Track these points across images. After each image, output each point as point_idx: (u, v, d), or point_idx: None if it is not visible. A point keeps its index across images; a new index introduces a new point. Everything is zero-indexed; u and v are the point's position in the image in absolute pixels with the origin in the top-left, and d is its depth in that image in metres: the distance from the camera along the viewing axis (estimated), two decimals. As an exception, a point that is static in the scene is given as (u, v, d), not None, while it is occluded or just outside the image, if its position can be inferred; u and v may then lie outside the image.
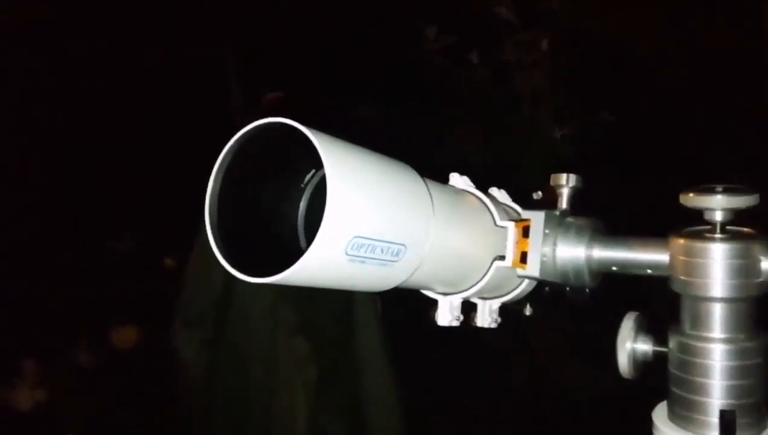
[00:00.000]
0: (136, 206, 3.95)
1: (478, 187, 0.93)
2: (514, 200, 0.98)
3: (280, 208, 0.74)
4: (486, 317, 0.96)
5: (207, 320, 2.19)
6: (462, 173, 0.94)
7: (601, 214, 0.93)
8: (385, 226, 0.68)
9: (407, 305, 0.94)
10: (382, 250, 0.68)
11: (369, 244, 0.66)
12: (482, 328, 0.99)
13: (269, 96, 2.32)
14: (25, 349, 3.35)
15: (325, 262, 0.64)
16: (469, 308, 0.96)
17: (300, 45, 4.12)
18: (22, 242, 3.73)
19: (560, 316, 3.02)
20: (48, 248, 3.76)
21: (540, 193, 0.96)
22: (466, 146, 3.17)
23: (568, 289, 0.93)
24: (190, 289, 2.20)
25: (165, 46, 4.31)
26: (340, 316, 2.19)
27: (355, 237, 0.64)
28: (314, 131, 0.63)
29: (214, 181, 0.68)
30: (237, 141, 0.67)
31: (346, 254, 0.64)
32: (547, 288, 0.95)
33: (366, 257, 0.67)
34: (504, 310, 0.99)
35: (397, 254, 0.71)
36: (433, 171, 0.89)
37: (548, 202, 0.96)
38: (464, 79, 3.24)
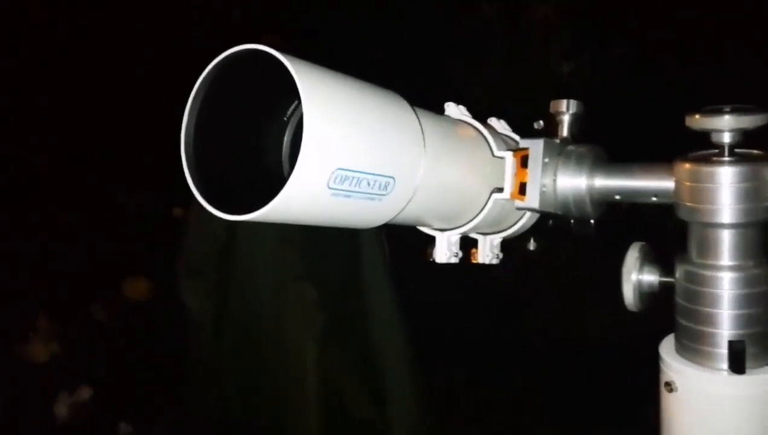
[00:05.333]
0: (146, 158, 3.93)
1: (478, 119, 0.89)
2: (515, 131, 0.94)
3: (263, 143, 0.70)
4: (487, 253, 0.92)
5: (209, 269, 2.18)
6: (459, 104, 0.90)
7: (604, 142, 0.89)
8: (370, 157, 0.64)
9: (415, 248, 0.91)
10: (368, 183, 0.65)
11: (354, 177, 0.62)
12: (491, 267, 0.96)
13: (266, 39, 2.27)
14: (38, 303, 3.38)
15: (306, 197, 0.60)
16: (469, 244, 0.93)
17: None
18: (34, 198, 3.74)
19: (564, 251, 2.99)
20: (60, 203, 3.77)
21: (541, 122, 0.92)
22: (470, 81, 3.11)
23: (572, 221, 0.89)
24: (190, 238, 2.18)
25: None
26: (346, 262, 2.17)
27: (338, 169, 0.60)
28: (290, 57, 0.59)
29: (190, 112, 0.64)
30: (212, 70, 0.63)
31: (329, 188, 0.61)
32: (550, 221, 0.91)
33: (351, 191, 0.63)
34: (507, 245, 0.96)
35: (386, 187, 0.67)
36: (433, 105, 0.84)
37: (550, 132, 0.92)
38: (471, 14, 3.16)
